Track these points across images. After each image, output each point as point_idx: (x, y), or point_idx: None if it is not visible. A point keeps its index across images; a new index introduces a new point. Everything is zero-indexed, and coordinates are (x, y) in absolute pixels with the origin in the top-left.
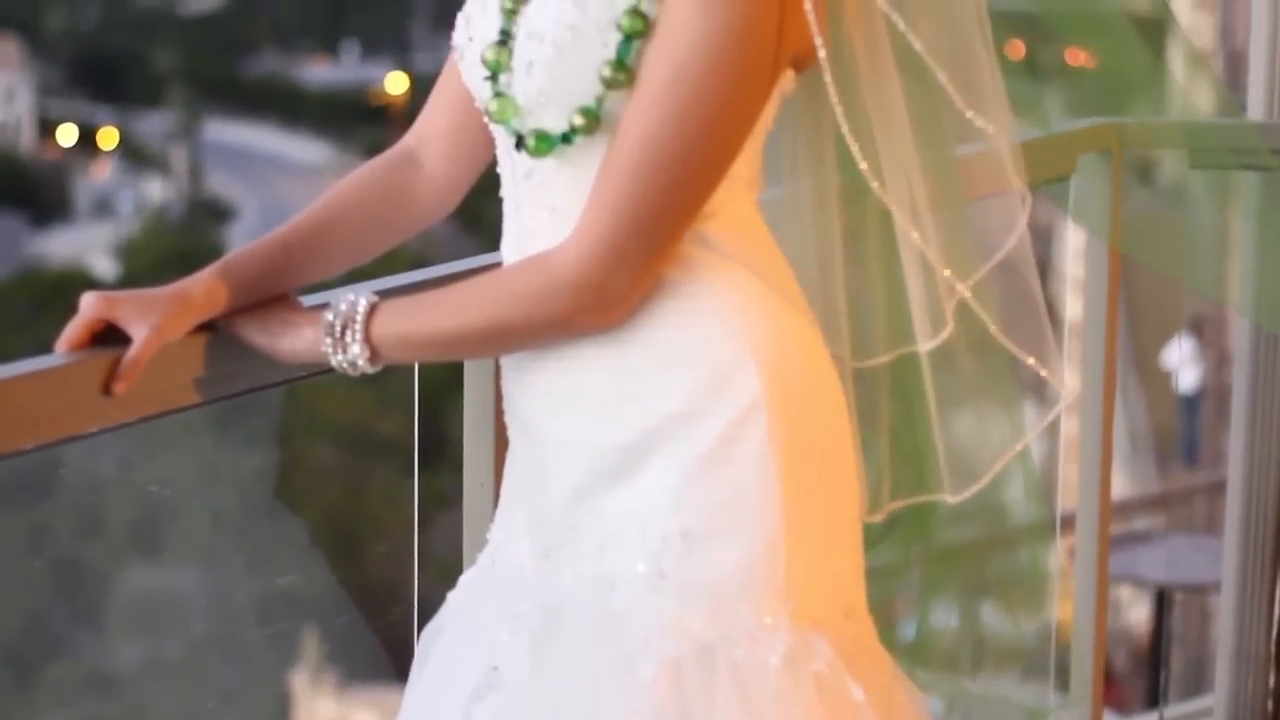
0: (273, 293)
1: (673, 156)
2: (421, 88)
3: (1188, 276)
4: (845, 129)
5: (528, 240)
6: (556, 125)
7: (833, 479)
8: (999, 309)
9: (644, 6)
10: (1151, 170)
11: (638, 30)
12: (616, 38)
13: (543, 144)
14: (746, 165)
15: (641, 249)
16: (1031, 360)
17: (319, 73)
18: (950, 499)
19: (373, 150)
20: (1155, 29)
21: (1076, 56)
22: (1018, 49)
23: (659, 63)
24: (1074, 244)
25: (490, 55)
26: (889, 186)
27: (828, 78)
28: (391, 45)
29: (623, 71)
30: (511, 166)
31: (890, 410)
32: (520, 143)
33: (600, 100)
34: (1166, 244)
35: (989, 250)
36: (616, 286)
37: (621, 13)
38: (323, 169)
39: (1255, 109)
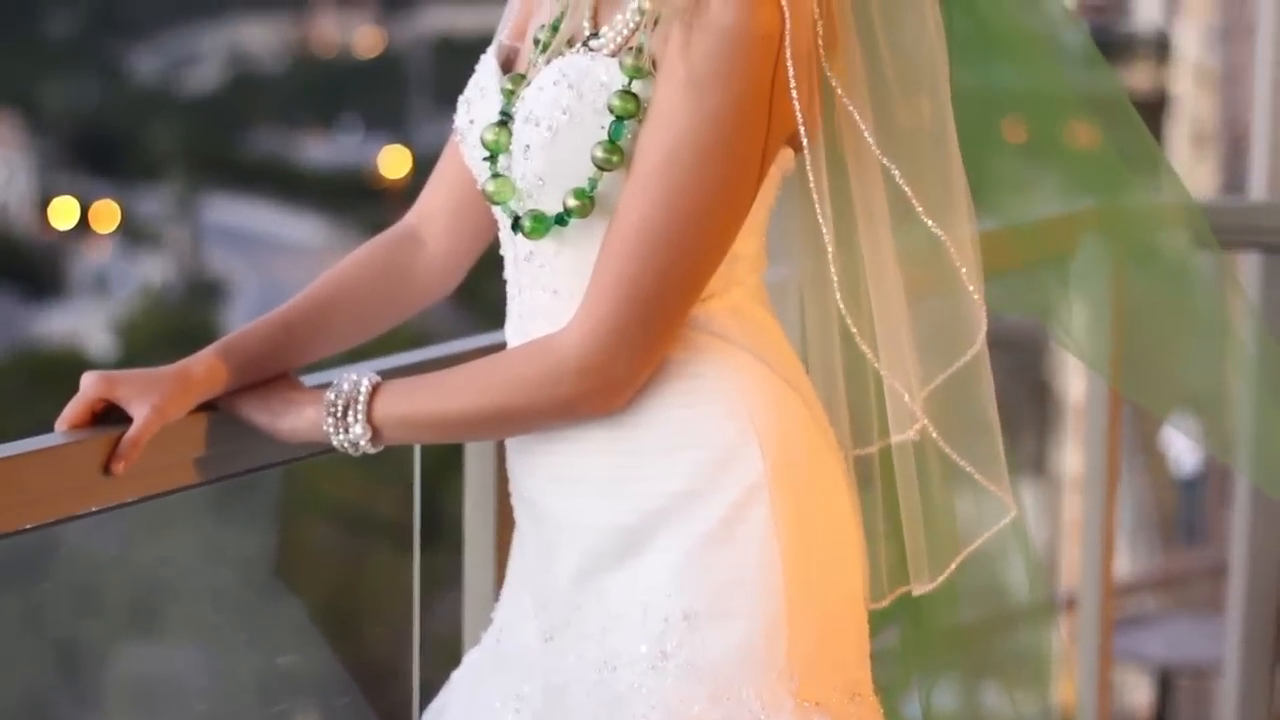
0: (274, 372)
1: (669, 239)
2: (422, 166)
3: (1189, 424)
4: (820, 216)
5: (530, 322)
6: (553, 207)
7: (836, 560)
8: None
9: (636, 88)
10: (1154, 253)
11: (629, 111)
12: (610, 119)
13: (538, 225)
14: (750, 244)
15: (643, 332)
16: (977, 475)
17: (319, 152)
18: (915, 590)
19: (373, 229)
20: (1153, 110)
21: (1077, 137)
22: (1018, 129)
23: (652, 146)
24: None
25: (490, 136)
26: (871, 276)
27: (808, 167)
28: (391, 124)
29: (616, 153)
30: (513, 249)
31: (885, 498)
32: (516, 224)
33: (594, 182)
34: (1163, 377)
35: (962, 347)
36: (620, 371)
37: (613, 94)
38: (322, 248)
39: (1258, 189)
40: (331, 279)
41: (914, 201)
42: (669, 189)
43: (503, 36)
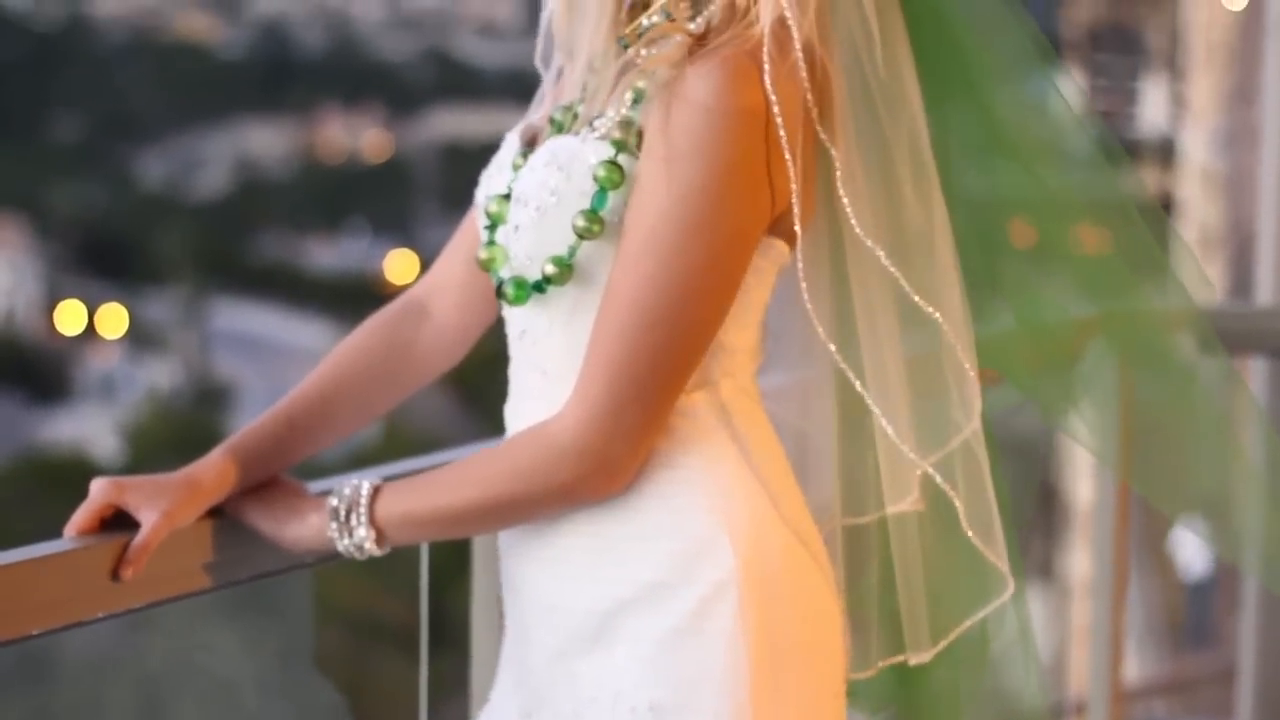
0: (283, 467)
1: (659, 318)
2: (428, 269)
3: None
4: (809, 306)
5: (521, 401)
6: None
7: (810, 660)
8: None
9: (621, 159)
10: (1161, 357)
11: (614, 182)
12: (594, 189)
13: (519, 292)
14: (741, 337)
15: (639, 412)
16: (980, 545)
17: (326, 256)
18: (911, 660)
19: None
20: (1159, 214)
21: (1085, 242)
22: (1026, 235)
23: (637, 223)
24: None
25: (493, 208)
26: (865, 364)
27: (799, 256)
28: (399, 228)
29: (596, 222)
30: (511, 326)
31: (879, 568)
32: (500, 290)
33: (573, 250)
34: (1172, 479)
35: (956, 429)
36: (618, 452)
37: (598, 164)
38: (329, 352)
39: (1264, 294)
40: (331, 366)
41: (901, 281)
42: (656, 265)
43: (533, 117)
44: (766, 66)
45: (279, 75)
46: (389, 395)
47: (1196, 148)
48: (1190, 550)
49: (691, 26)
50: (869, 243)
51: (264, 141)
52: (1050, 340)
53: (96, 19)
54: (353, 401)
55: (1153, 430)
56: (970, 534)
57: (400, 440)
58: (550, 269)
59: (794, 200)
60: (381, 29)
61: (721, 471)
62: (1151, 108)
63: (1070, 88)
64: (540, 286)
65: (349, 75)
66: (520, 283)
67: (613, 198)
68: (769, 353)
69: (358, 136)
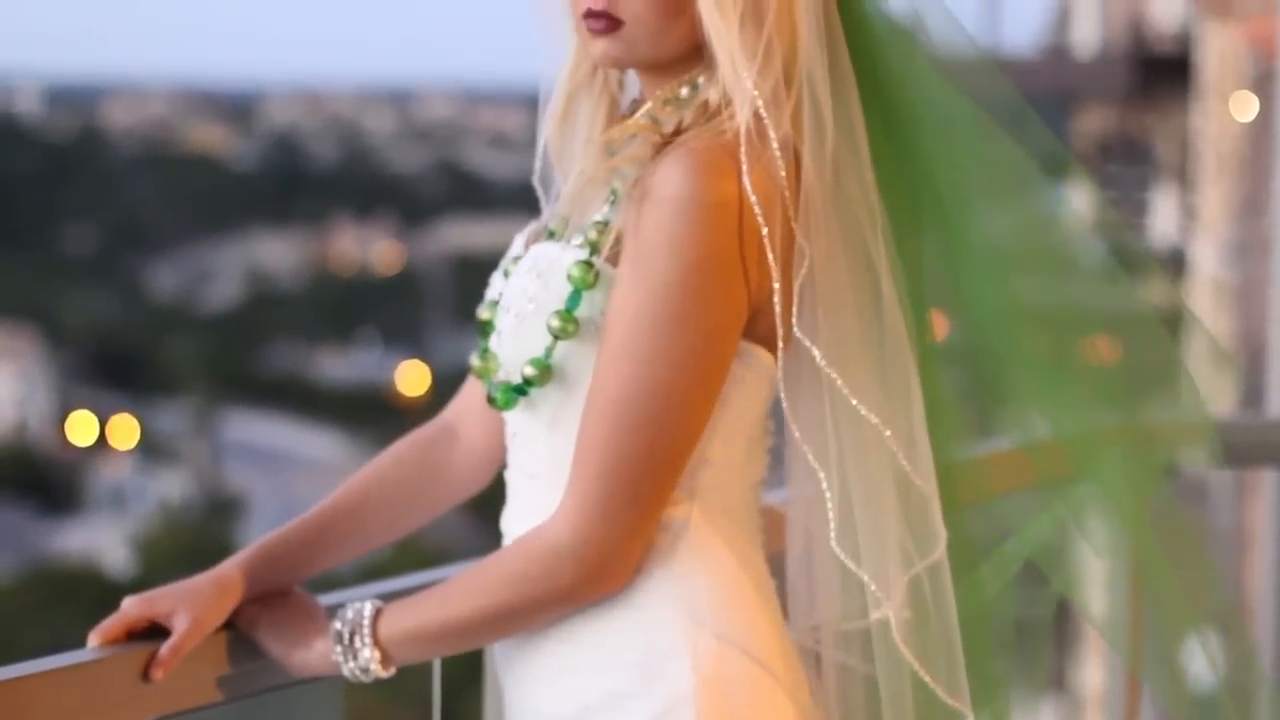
0: (309, 574)
1: (643, 418)
2: (440, 382)
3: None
4: (787, 412)
5: (513, 502)
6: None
7: None
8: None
9: (595, 260)
10: (1172, 470)
11: (587, 282)
12: (569, 290)
13: (506, 397)
14: (728, 451)
15: (632, 512)
16: (937, 688)
17: (337, 368)
18: None
19: (392, 444)
20: (1174, 324)
21: (1097, 353)
22: (1037, 347)
23: (616, 322)
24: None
25: (486, 314)
26: (852, 478)
27: (779, 373)
28: (410, 340)
29: (571, 322)
30: (506, 429)
31: (866, 673)
32: (489, 397)
33: (550, 350)
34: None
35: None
36: (613, 552)
37: (572, 264)
38: (341, 464)
39: (1276, 405)
40: (365, 479)
41: (838, 383)
42: (635, 364)
43: (541, 222)
44: (744, 161)
45: (290, 187)
46: (418, 514)
47: (1206, 258)
48: (1203, 661)
49: (668, 127)
50: (806, 343)
51: (275, 253)
52: (1063, 453)
53: (109, 131)
54: (383, 515)
55: (1163, 544)
56: (925, 675)
57: (411, 554)
58: (530, 370)
59: (775, 298)
60: (393, 140)
61: (690, 587)
62: (1161, 219)
63: (1085, 197)
64: (522, 390)
65: (360, 186)
66: (506, 387)
67: (587, 298)
68: (778, 469)
69: (369, 247)
